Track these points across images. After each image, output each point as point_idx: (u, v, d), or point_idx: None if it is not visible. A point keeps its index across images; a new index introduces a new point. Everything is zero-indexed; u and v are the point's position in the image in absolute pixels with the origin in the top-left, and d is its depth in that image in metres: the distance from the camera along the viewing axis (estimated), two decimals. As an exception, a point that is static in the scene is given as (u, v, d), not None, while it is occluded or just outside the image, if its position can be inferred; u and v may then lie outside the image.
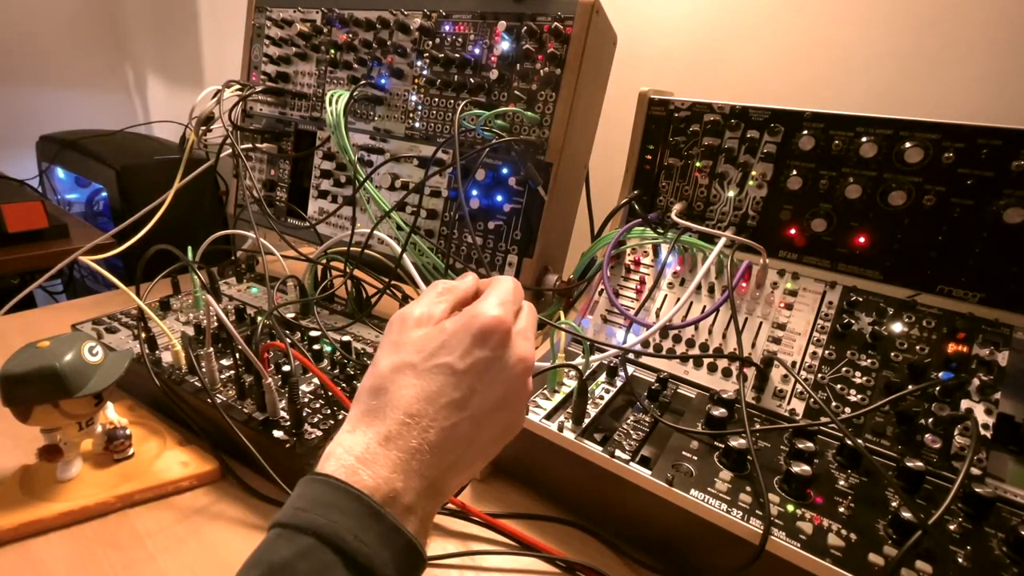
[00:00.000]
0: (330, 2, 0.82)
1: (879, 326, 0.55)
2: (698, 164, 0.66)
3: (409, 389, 0.29)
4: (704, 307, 0.62)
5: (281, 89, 0.89)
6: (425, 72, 0.75)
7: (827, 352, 0.56)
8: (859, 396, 0.53)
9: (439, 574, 0.46)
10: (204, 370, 0.57)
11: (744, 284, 0.62)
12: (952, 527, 0.42)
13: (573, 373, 0.57)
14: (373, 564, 0.25)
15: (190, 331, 0.68)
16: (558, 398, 0.55)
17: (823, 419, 0.53)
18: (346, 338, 0.65)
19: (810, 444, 0.48)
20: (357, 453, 0.28)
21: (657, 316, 0.64)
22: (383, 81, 0.78)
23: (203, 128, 0.81)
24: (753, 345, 0.59)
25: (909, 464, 0.45)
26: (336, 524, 0.25)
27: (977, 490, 0.43)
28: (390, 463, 0.28)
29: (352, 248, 0.73)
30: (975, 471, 0.46)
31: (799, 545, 0.39)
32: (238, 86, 0.84)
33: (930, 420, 0.49)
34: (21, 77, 1.70)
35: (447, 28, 0.73)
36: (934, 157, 0.53)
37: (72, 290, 1.50)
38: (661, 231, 0.67)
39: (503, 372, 0.31)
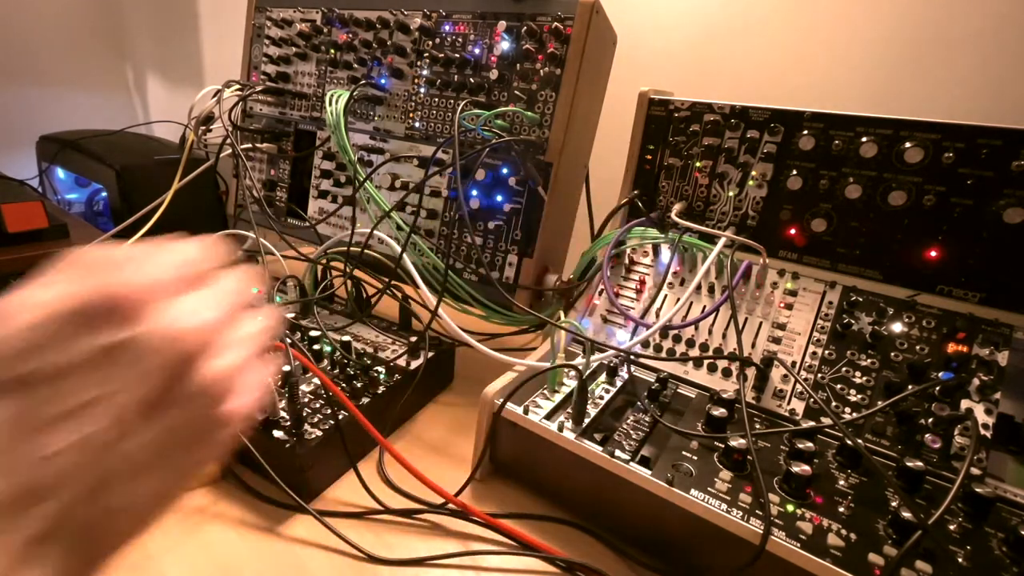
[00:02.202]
0: (330, 2, 0.82)
1: (879, 326, 0.55)
2: (698, 164, 0.66)
3: None
4: (704, 307, 0.62)
5: (281, 89, 0.89)
6: (425, 72, 0.75)
7: (827, 352, 0.56)
8: (859, 396, 0.53)
9: (439, 574, 0.46)
10: (204, 370, 0.57)
11: (744, 284, 0.62)
12: (952, 527, 0.42)
13: (573, 373, 0.57)
14: None
15: (190, 331, 0.68)
16: (558, 398, 0.55)
17: (824, 421, 0.53)
18: (346, 338, 0.65)
19: (810, 444, 0.48)
20: None
21: (657, 316, 0.64)
22: (383, 81, 0.78)
23: (203, 128, 0.81)
24: (753, 345, 0.59)
25: (909, 464, 0.45)
26: None
27: (977, 490, 0.43)
28: None
29: (352, 248, 0.73)
30: (975, 471, 0.46)
31: (799, 545, 0.39)
32: (238, 86, 0.84)
33: (930, 420, 0.49)
34: (21, 77, 1.70)
35: (447, 28, 0.73)
36: (934, 157, 0.53)
37: (72, 290, 1.49)
38: (662, 231, 0.67)
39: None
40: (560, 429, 0.50)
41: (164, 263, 0.21)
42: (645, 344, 0.63)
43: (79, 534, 0.19)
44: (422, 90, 0.76)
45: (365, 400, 0.58)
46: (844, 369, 0.55)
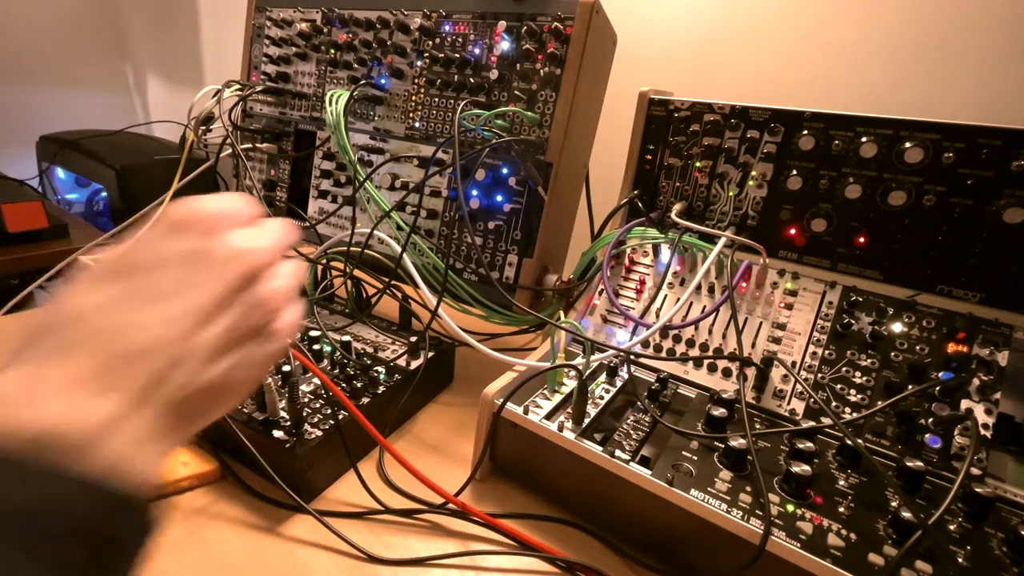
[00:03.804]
0: (330, 2, 0.82)
1: (879, 326, 0.55)
2: (698, 164, 0.66)
3: None
4: (704, 307, 0.62)
5: (281, 89, 0.89)
6: (424, 72, 0.75)
7: (827, 352, 0.56)
8: (859, 396, 0.53)
9: (439, 574, 0.46)
10: (204, 370, 0.57)
11: (744, 284, 0.62)
12: (952, 527, 0.42)
13: (573, 373, 0.57)
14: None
15: (190, 331, 0.68)
16: (558, 398, 0.55)
17: (824, 421, 0.53)
18: (346, 338, 0.65)
19: (810, 444, 0.48)
20: None
21: (657, 316, 0.64)
22: (383, 81, 0.78)
23: (203, 128, 0.81)
24: (753, 345, 0.59)
25: (909, 464, 0.45)
26: None
27: (977, 490, 0.43)
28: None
29: (352, 248, 0.73)
30: (975, 471, 0.46)
31: (799, 545, 0.39)
32: (238, 86, 0.84)
33: (930, 420, 0.49)
34: (21, 77, 1.70)
35: (447, 28, 0.73)
36: (934, 157, 0.53)
37: (72, 290, 1.49)
38: (662, 231, 0.67)
39: None
40: (560, 429, 0.50)
41: (231, 202, 0.28)
42: (645, 344, 0.63)
43: (168, 399, 0.23)
44: (418, 72, 0.76)
45: (365, 400, 0.58)
46: (844, 369, 0.55)
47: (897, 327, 0.55)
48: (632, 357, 0.61)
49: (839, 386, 0.54)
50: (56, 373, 0.21)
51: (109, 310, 0.23)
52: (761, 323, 0.60)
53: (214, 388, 0.25)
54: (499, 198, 0.70)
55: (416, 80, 0.76)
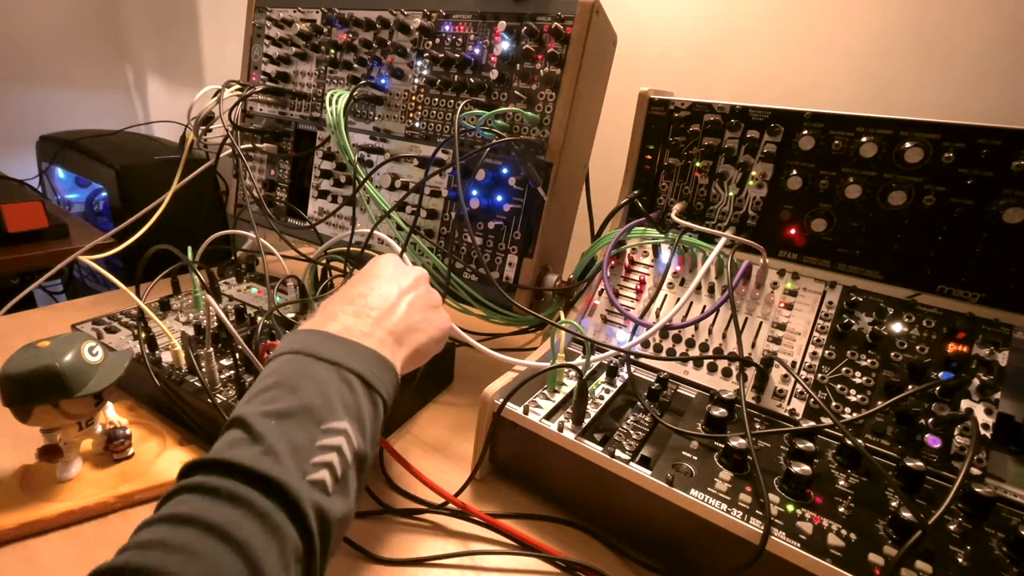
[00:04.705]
0: (330, 2, 0.82)
1: (879, 326, 0.55)
2: (698, 164, 0.66)
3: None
4: (704, 307, 0.62)
5: (281, 89, 0.89)
6: (425, 71, 0.75)
7: (827, 352, 0.56)
8: (859, 396, 0.53)
9: (439, 574, 0.46)
10: (204, 370, 0.57)
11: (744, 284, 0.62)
12: (952, 527, 0.42)
13: (573, 373, 0.57)
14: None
15: (190, 331, 0.68)
16: (558, 398, 0.55)
17: (824, 421, 0.53)
18: (346, 338, 0.65)
19: (810, 444, 0.48)
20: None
21: (657, 316, 0.64)
22: (383, 81, 0.78)
23: (203, 128, 0.80)
24: (753, 345, 0.59)
25: (909, 464, 0.45)
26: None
27: (977, 490, 0.43)
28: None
29: (352, 248, 0.73)
30: (975, 471, 0.46)
31: (799, 545, 0.39)
32: (238, 86, 0.84)
33: (930, 420, 0.49)
34: (21, 77, 1.70)
35: (447, 28, 0.73)
36: (934, 157, 0.53)
37: (72, 290, 1.50)
38: (662, 231, 0.67)
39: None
40: (560, 429, 0.50)
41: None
42: (645, 344, 0.63)
43: (391, 327, 0.42)
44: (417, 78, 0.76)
45: (365, 400, 0.57)
46: (844, 369, 0.55)
47: (897, 327, 0.55)
48: (632, 357, 0.61)
49: (839, 386, 0.54)
50: (342, 310, 0.41)
51: (360, 289, 0.43)
52: (761, 323, 0.60)
53: (412, 328, 0.43)
54: (499, 198, 0.70)
55: (416, 80, 0.76)
